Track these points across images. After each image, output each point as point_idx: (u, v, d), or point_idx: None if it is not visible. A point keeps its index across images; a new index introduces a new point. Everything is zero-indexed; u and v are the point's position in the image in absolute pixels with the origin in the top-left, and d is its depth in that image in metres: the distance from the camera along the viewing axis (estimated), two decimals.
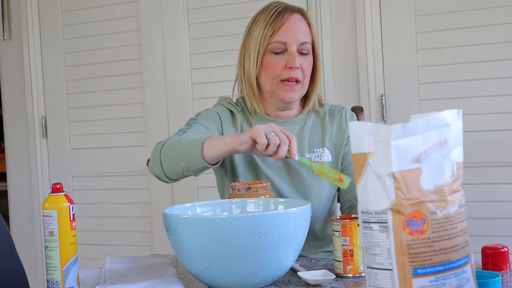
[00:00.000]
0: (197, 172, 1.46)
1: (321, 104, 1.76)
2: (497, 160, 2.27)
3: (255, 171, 1.63)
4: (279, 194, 1.62)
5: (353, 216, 1.33)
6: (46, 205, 1.20)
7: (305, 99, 1.72)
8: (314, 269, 1.34)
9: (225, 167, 1.65)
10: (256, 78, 1.66)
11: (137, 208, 2.81)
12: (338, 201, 1.74)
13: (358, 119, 1.89)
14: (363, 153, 0.93)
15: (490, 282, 1.09)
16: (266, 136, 1.32)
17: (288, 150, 1.33)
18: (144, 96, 2.77)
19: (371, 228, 0.92)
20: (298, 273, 1.26)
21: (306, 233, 1.25)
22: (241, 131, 1.67)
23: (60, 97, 2.92)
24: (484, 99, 2.28)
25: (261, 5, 1.73)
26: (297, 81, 1.62)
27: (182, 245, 1.19)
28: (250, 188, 1.42)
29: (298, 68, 1.61)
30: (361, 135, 0.93)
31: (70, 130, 2.92)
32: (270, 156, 1.34)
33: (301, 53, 1.63)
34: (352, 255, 1.26)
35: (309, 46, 1.65)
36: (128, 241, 2.82)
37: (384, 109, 2.38)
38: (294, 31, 1.62)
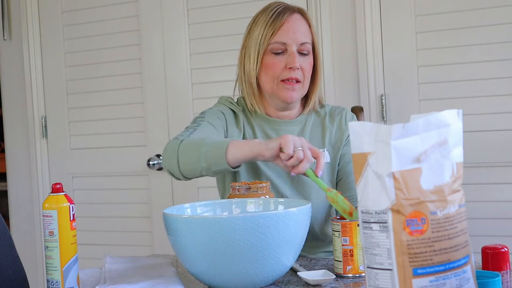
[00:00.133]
0: (216, 173, 1.45)
1: (321, 105, 1.76)
2: (497, 160, 2.27)
3: (256, 172, 1.64)
4: (279, 194, 1.62)
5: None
6: (46, 205, 1.20)
7: (305, 99, 1.72)
8: (314, 269, 1.34)
9: None
10: (257, 78, 1.66)
11: (137, 208, 2.81)
12: None
13: (358, 119, 1.89)
14: (363, 153, 0.93)
15: (490, 282, 1.09)
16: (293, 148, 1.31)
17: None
18: (144, 96, 2.77)
19: (371, 228, 0.93)
20: (298, 273, 1.26)
21: (306, 233, 1.25)
22: (243, 131, 1.67)
23: (60, 97, 2.92)
24: (484, 99, 2.28)
25: (261, 5, 1.73)
26: (297, 81, 1.63)
27: (182, 245, 1.19)
28: (250, 188, 1.43)
29: (298, 68, 1.61)
30: (361, 135, 0.93)
31: (70, 130, 2.92)
32: (290, 168, 1.34)
33: (301, 53, 1.63)
34: (352, 255, 1.26)
35: (309, 46, 1.65)
36: (128, 241, 2.82)
37: (384, 109, 2.38)
38: (294, 32, 1.62)
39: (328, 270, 1.27)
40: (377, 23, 2.39)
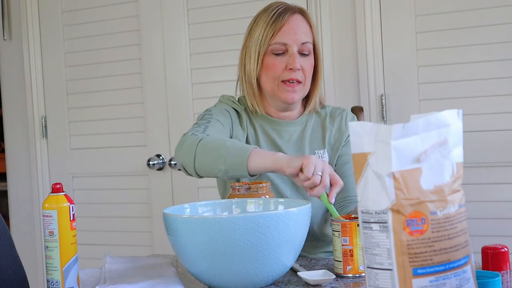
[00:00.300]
0: (233, 177, 1.44)
1: (322, 106, 1.76)
2: (497, 160, 2.27)
3: None
4: (279, 195, 1.62)
5: (352, 216, 1.33)
6: (46, 205, 1.20)
7: (306, 99, 1.72)
8: (314, 269, 1.34)
9: None
10: (257, 79, 1.66)
11: (137, 208, 2.81)
12: None
13: (358, 119, 1.89)
14: (363, 153, 0.93)
15: (490, 282, 1.09)
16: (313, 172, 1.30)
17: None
18: (144, 96, 2.77)
19: (371, 228, 0.93)
20: (298, 273, 1.26)
21: (306, 233, 1.25)
22: (247, 131, 1.67)
23: (60, 97, 2.92)
24: (484, 99, 2.28)
25: (261, 5, 1.73)
26: (298, 82, 1.62)
27: (182, 245, 1.19)
28: (250, 188, 1.42)
29: (299, 69, 1.61)
30: (361, 135, 0.93)
31: (70, 130, 2.92)
32: (307, 188, 1.33)
33: (302, 54, 1.63)
34: (352, 255, 1.26)
35: (310, 47, 1.65)
36: (128, 241, 2.82)
37: (384, 109, 2.38)
38: (294, 32, 1.61)
39: (328, 270, 1.27)
40: (377, 23, 2.39)
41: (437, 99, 2.33)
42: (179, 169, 2.62)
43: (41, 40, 2.94)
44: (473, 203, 2.23)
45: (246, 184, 1.43)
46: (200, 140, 1.45)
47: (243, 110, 1.70)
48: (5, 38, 2.98)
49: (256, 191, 1.42)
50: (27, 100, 2.95)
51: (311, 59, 1.65)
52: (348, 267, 1.26)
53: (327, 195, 1.33)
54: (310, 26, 1.66)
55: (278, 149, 1.66)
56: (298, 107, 1.72)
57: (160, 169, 2.73)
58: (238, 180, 1.62)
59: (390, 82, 2.39)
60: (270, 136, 1.68)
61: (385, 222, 0.91)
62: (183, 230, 1.18)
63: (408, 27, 2.36)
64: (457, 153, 0.95)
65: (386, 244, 0.91)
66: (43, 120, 2.94)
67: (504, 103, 2.26)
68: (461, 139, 0.96)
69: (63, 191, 1.22)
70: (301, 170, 1.31)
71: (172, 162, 2.70)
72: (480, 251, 1.25)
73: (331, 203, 1.33)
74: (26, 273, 1.35)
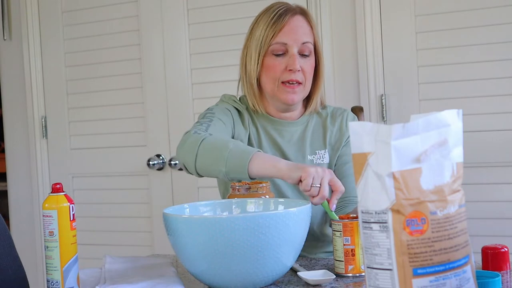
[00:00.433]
0: (234, 179, 1.44)
1: (323, 106, 1.76)
2: (497, 160, 2.27)
3: None
4: (280, 194, 1.62)
5: (351, 216, 1.33)
6: (46, 205, 1.20)
7: (307, 100, 1.72)
8: (314, 269, 1.34)
9: None
10: (257, 79, 1.66)
11: (137, 208, 2.81)
12: None
13: (358, 119, 1.89)
14: (363, 153, 0.93)
15: (490, 282, 1.09)
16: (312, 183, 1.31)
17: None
18: (144, 96, 2.77)
19: (371, 228, 0.93)
20: (298, 273, 1.26)
21: (306, 233, 1.25)
22: (249, 130, 1.66)
23: (60, 97, 2.92)
24: (484, 99, 2.28)
25: (261, 5, 1.73)
26: (298, 83, 1.62)
27: (182, 245, 1.19)
28: (250, 188, 1.42)
29: (299, 70, 1.61)
30: (361, 135, 0.93)
31: (70, 130, 2.92)
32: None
33: (302, 54, 1.63)
34: (353, 255, 1.26)
35: (311, 47, 1.64)
36: (128, 241, 2.82)
37: (384, 109, 2.38)
38: (295, 33, 1.61)
39: (328, 270, 1.27)
40: (377, 23, 2.39)
41: (437, 99, 2.33)
42: (180, 169, 2.62)
43: (41, 40, 2.94)
44: (473, 203, 2.23)
45: (246, 184, 1.43)
46: (202, 140, 1.45)
47: (244, 109, 1.70)
48: (5, 38, 2.98)
49: (256, 191, 1.42)
50: (27, 100, 2.95)
51: (311, 60, 1.65)
52: (350, 267, 1.26)
53: (328, 202, 1.34)
54: (311, 27, 1.66)
55: (279, 149, 1.67)
56: (299, 107, 1.72)
57: (160, 169, 2.73)
58: (239, 180, 1.62)
59: (390, 82, 2.39)
60: (271, 136, 1.68)
61: (385, 222, 0.91)
62: (183, 230, 1.18)
63: (408, 27, 2.36)
64: (457, 153, 0.95)
65: (386, 244, 0.91)
66: (43, 120, 2.94)
67: (504, 103, 2.26)
68: (461, 139, 0.96)
69: (63, 191, 1.22)
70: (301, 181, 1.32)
71: (172, 162, 2.70)
72: (480, 251, 1.25)
73: (332, 210, 1.34)
74: (26, 273, 1.35)
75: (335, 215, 1.34)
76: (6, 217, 3.01)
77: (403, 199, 0.90)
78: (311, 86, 1.68)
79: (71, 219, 1.21)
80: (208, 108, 1.67)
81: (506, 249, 1.24)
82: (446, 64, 2.32)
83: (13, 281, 1.29)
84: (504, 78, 2.25)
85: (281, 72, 1.61)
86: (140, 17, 2.76)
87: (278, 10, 1.63)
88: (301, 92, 1.64)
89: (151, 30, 2.74)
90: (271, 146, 1.67)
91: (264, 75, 1.64)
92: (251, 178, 1.39)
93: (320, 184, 1.30)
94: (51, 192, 1.21)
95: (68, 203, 1.20)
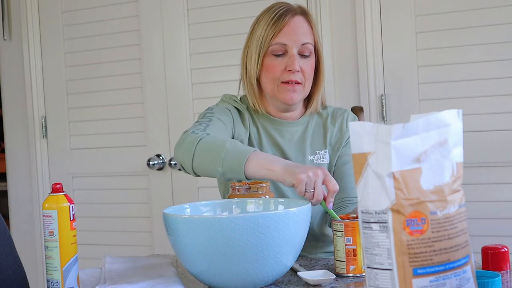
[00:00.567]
0: (231, 180, 1.44)
1: (324, 106, 1.76)
2: (497, 160, 2.27)
3: None
4: (280, 195, 1.62)
5: (351, 216, 1.33)
6: (46, 205, 1.20)
7: (308, 100, 1.72)
8: (314, 269, 1.34)
9: None
10: (258, 79, 1.66)
11: (137, 208, 2.81)
12: None
13: (358, 119, 1.89)
14: (363, 153, 0.93)
15: (490, 282, 1.09)
16: (306, 188, 1.31)
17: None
18: (144, 96, 2.77)
19: (371, 228, 0.92)
20: (298, 273, 1.26)
21: (306, 233, 1.25)
22: (249, 130, 1.66)
23: (60, 97, 2.92)
24: (484, 99, 2.28)
25: (261, 5, 1.73)
26: (297, 83, 1.62)
27: (182, 245, 1.19)
28: (250, 188, 1.42)
29: (298, 71, 1.61)
30: (361, 135, 0.93)
31: (70, 130, 2.92)
32: None
33: (302, 55, 1.63)
34: (355, 255, 1.26)
35: (311, 47, 1.64)
36: (128, 241, 2.82)
37: (384, 109, 2.38)
38: (294, 33, 1.61)
39: (328, 270, 1.27)
40: (377, 23, 2.39)
41: (437, 99, 2.33)
42: (179, 169, 2.62)
43: (41, 40, 2.94)
44: (473, 203, 2.23)
45: (246, 184, 1.43)
46: (199, 140, 1.44)
47: (245, 109, 1.70)
48: (5, 38, 2.98)
49: (256, 191, 1.42)
50: (27, 100, 2.95)
51: (311, 60, 1.65)
52: (352, 267, 1.26)
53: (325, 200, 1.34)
54: (312, 27, 1.66)
55: (279, 148, 1.67)
56: (299, 107, 1.72)
57: (160, 169, 2.73)
58: (239, 180, 1.62)
59: (390, 82, 2.39)
60: (272, 135, 1.68)
61: (385, 222, 0.91)
62: (183, 230, 1.18)
63: (408, 27, 2.36)
64: (457, 153, 0.95)
65: (386, 244, 0.91)
66: (43, 120, 2.94)
67: (504, 103, 2.26)
68: (461, 139, 0.96)
69: (63, 191, 1.22)
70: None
71: (172, 162, 2.70)
72: (480, 251, 1.25)
73: (329, 209, 1.34)
74: (26, 273, 1.35)
75: (334, 213, 1.34)
76: (6, 217, 3.01)
77: (403, 199, 0.90)
78: (312, 87, 1.68)
79: (71, 219, 1.21)
80: (208, 108, 1.67)
81: (506, 249, 1.24)
82: (446, 64, 2.32)
83: (13, 281, 1.29)
84: (504, 78, 2.25)
85: (281, 72, 1.61)
86: (140, 17, 2.76)
87: (279, 11, 1.63)
88: (301, 92, 1.64)
89: (151, 30, 2.74)
90: (271, 146, 1.67)
91: (264, 75, 1.64)
92: (248, 179, 1.39)
93: (314, 188, 1.30)
94: (51, 192, 1.21)
95: (68, 203, 1.20)
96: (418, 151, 0.91)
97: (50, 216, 1.19)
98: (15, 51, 2.98)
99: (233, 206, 1.40)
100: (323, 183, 1.32)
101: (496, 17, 2.25)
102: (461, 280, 0.92)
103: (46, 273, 1.21)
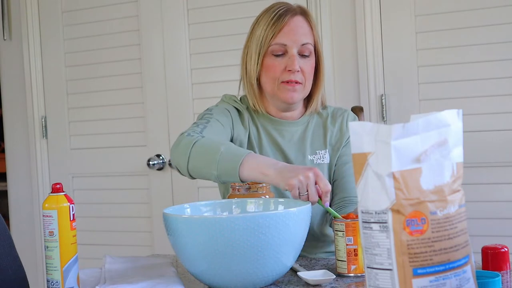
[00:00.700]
0: (226, 182, 1.43)
1: (324, 106, 1.76)
2: (497, 160, 2.27)
3: None
4: (280, 195, 1.62)
5: (353, 214, 1.33)
6: (46, 205, 1.20)
7: (308, 100, 1.72)
8: (314, 269, 1.34)
9: None
10: (258, 79, 1.66)
11: (137, 208, 2.81)
12: None
13: (358, 119, 1.89)
14: (363, 153, 0.93)
15: (490, 282, 1.09)
16: (299, 191, 1.31)
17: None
18: (144, 96, 2.77)
19: (371, 228, 0.92)
20: (298, 273, 1.26)
21: (306, 233, 1.25)
22: (249, 130, 1.66)
23: (60, 97, 2.92)
24: (484, 99, 2.28)
25: (261, 5, 1.73)
26: (297, 83, 1.62)
27: (182, 245, 1.19)
28: (250, 188, 1.42)
29: (298, 71, 1.61)
30: (361, 135, 0.93)
31: (70, 130, 2.92)
32: None
33: (302, 55, 1.63)
34: (356, 255, 1.26)
35: (311, 48, 1.64)
36: (128, 241, 2.82)
37: (384, 109, 2.38)
38: (294, 34, 1.61)
39: (328, 270, 1.27)
40: (377, 23, 2.39)
41: (437, 99, 2.33)
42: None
43: (41, 40, 2.94)
44: (473, 203, 2.23)
45: (246, 184, 1.43)
46: (195, 142, 1.44)
47: (245, 109, 1.70)
48: (5, 38, 2.98)
49: (256, 191, 1.42)
50: (27, 100, 2.95)
51: (311, 60, 1.65)
52: (353, 267, 1.26)
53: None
54: (312, 28, 1.66)
55: (279, 148, 1.66)
56: (300, 107, 1.72)
57: (160, 169, 2.73)
58: None
59: (390, 82, 2.39)
60: (272, 135, 1.68)
61: (385, 222, 0.91)
62: (183, 230, 1.18)
63: (408, 27, 2.36)
64: (457, 153, 0.95)
65: (386, 244, 0.91)
66: (43, 120, 2.94)
67: (504, 103, 2.26)
68: (461, 139, 0.96)
69: (63, 191, 1.22)
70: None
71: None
72: (480, 251, 1.25)
73: (326, 207, 1.34)
74: (26, 273, 1.35)
75: (333, 211, 1.34)
76: (6, 217, 3.01)
77: (403, 199, 0.90)
78: (312, 86, 1.68)
79: (71, 219, 1.21)
80: (207, 109, 1.67)
81: (506, 249, 1.24)
82: (446, 64, 2.32)
83: (13, 281, 1.29)
84: (504, 78, 2.25)
85: (281, 72, 1.61)
86: (140, 17, 2.76)
87: (279, 11, 1.63)
88: (301, 92, 1.64)
89: (151, 30, 2.74)
90: (271, 146, 1.67)
91: (264, 75, 1.64)
92: (243, 181, 1.39)
93: (307, 190, 1.30)
94: (51, 192, 1.21)
95: (68, 203, 1.20)
96: (418, 151, 0.91)
97: (50, 216, 1.19)
98: (15, 51, 2.98)
99: (233, 206, 1.40)
100: (315, 184, 1.31)
101: (496, 17, 2.25)
102: (461, 280, 0.92)
103: (46, 273, 1.21)
